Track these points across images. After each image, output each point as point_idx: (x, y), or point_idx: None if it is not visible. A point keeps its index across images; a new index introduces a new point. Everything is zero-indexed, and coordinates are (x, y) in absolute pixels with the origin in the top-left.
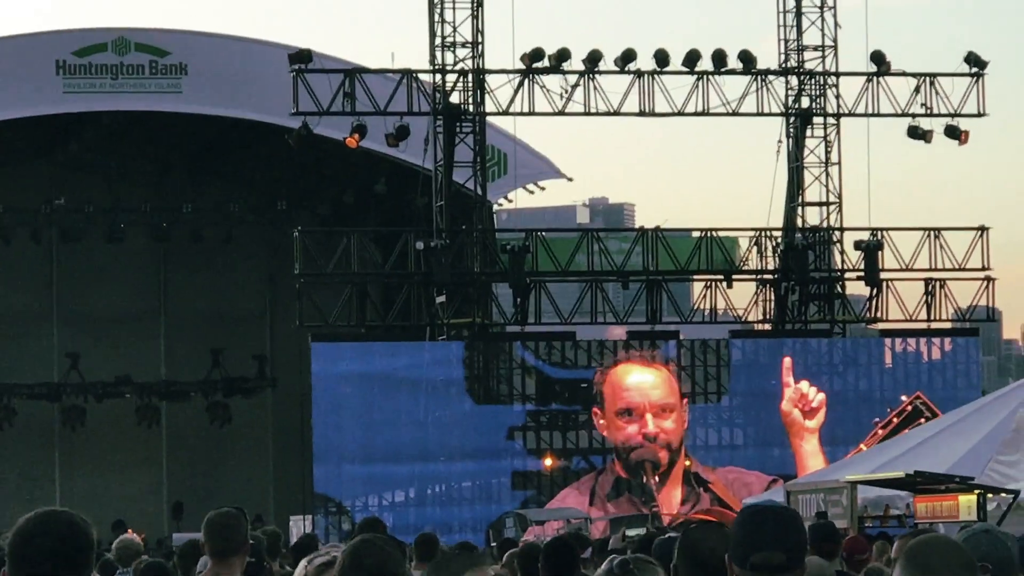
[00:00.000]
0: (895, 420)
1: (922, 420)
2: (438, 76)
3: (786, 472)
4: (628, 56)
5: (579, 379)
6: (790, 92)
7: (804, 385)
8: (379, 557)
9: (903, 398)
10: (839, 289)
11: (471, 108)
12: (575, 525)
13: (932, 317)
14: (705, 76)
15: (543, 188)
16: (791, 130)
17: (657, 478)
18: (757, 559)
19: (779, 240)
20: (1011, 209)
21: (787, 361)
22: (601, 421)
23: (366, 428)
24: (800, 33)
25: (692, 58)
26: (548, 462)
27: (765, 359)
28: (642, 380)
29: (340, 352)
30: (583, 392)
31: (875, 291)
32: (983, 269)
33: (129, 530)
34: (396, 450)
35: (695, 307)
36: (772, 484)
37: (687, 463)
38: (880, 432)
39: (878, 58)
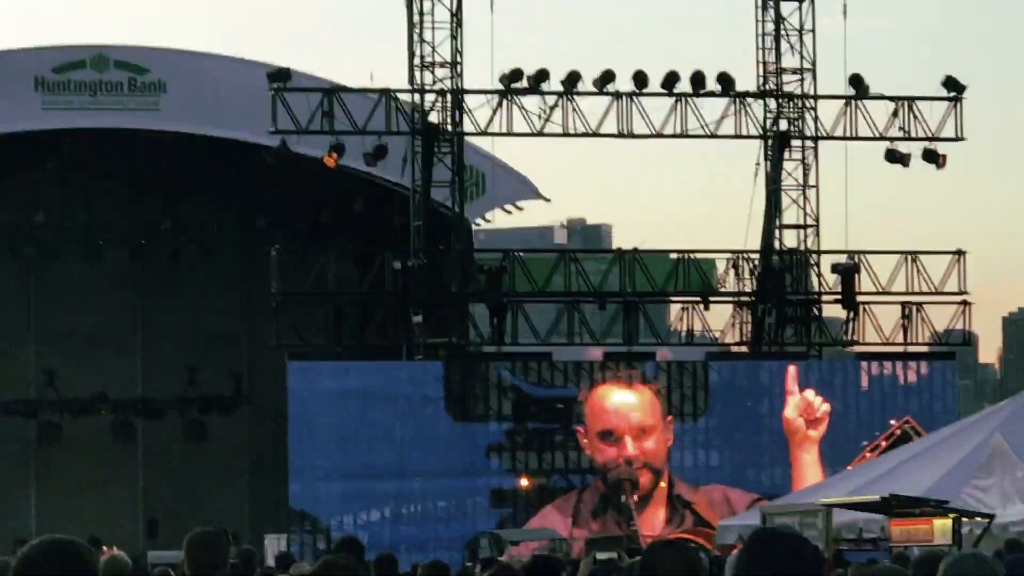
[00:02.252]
0: (883, 444)
1: None
2: (417, 96)
3: (763, 493)
4: (607, 77)
5: (557, 398)
6: (768, 115)
7: (810, 394)
8: None
9: (892, 422)
10: (816, 312)
11: (449, 128)
12: (551, 545)
13: (908, 340)
14: (683, 98)
15: (521, 208)
16: (769, 153)
17: (637, 498)
18: None
19: (756, 262)
20: (988, 233)
21: (792, 369)
22: (585, 440)
23: (342, 446)
24: (779, 56)
25: (671, 80)
26: (524, 482)
27: (742, 381)
28: (622, 402)
29: (316, 370)
30: (561, 411)
31: (852, 314)
32: (960, 293)
33: (105, 547)
34: (372, 468)
35: (672, 329)
36: (755, 503)
37: (662, 484)
38: (868, 455)
39: (856, 81)
